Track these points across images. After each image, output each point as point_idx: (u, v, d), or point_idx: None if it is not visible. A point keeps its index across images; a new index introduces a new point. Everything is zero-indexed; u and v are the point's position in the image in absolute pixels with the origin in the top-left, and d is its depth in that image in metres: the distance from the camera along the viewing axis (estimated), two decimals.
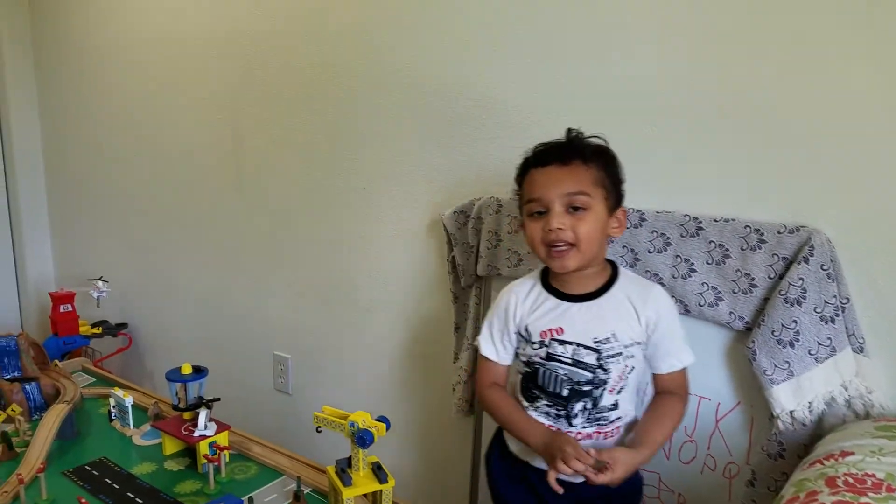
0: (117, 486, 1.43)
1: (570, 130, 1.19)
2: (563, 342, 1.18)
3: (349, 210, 1.92)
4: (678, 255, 1.31)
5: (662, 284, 1.33)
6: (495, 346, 1.28)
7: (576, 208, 1.13)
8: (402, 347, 1.88)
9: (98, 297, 2.60)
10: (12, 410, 1.63)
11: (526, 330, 1.23)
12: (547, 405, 1.21)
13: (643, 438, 1.15)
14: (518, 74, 1.52)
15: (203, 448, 1.47)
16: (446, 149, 1.68)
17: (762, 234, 1.22)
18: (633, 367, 1.18)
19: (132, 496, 1.39)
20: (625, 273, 1.22)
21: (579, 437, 1.19)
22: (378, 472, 1.32)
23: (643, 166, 1.33)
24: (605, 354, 1.16)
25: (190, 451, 1.55)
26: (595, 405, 1.18)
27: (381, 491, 1.30)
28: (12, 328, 1.84)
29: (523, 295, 1.25)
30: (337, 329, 2.02)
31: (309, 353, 2.12)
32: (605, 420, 1.19)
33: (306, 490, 1.41)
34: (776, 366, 1.21)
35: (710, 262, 1.28)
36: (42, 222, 3.03)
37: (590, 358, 1.17)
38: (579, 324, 1.18)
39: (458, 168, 1.67)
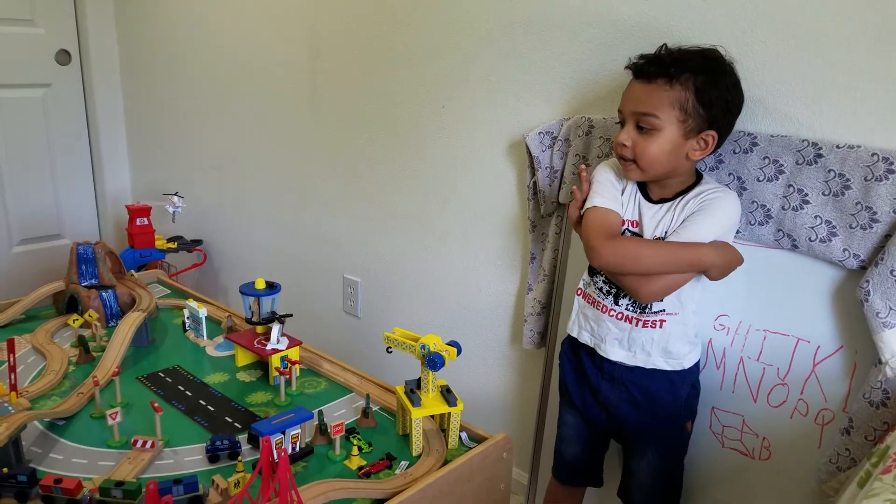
0: (190, 394, 1.45)
1: (661, 47, 1.17)
2: (634, 234, 1.26)
3: (426, 130, 1.84)
4: (791, 185, 1.19)
5: (770, 217, 1.22)
6: (612, 193, 1.28)
7: (642, 128, 1.16)
8: (474, 275, 1.82)
9: (173, 212, 2.63)
10: (89, 316, 1.66)
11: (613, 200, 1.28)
12: (603, 281, 1.29)
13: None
14: None
15: (275, 361, 1.47)
16: (533, 64, 1.57)
17: (891, 164, 1.09)
18: None
19: (204, 403, 1.41)
20: (705, 182, 1.23)
21: (620, 317, 1.27)
22: (447, 395, 1.29)
23: (755, 85, 1.21)
24: None
25: (262, 364, 1.56)
26: None
27: (449, 414, 1.28)
28: (91, 239, 1.87)
29: (620, 181, 1.28)
30: (408, 254, 1.98)
31: (379, 278, 2.09)
32: (647, 308, 1.25)
33: (374, 408, 1.40)
34: (892, 308, 1.09)
35: (826, 193, 1.16)
36: (120, 137, 3.07)
37: None
38: (648, 222, 1.24)
39: (546, 85, 1.55)
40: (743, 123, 1.24)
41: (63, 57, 2.87)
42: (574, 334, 1.37)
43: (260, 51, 2.29)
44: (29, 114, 2.79)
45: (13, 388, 1.31)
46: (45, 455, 1.20)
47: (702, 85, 1.11)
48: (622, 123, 1.21)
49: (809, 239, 1.18)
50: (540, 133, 1.53)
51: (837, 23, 1.13)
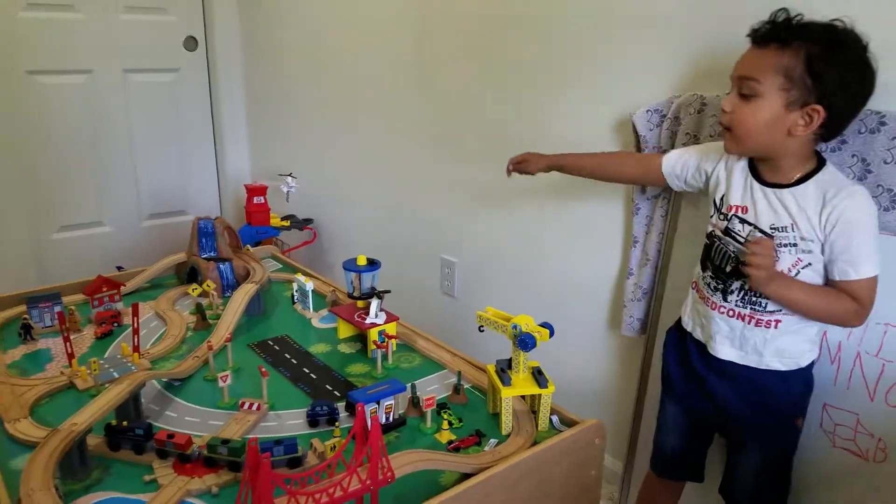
0: (295, 362, 1.52)
1: (778, 11, 1.10)
2: (743, 221, 1.19)
3: (532, 109, 1.82)
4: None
5: (894, 203, 1.12)
6: (683, 156, 1.31)
7: (744, 94, 1.11)
8: (572, 257, 1.80)
9: (287, 191, 2.76)
10: (207, 286, 1.78)
11: (721, 198, 1.24)
12: (710, 276, 1.25)
13: (794, 281, 1.15)
14: None
15: (373, 335, 1.51)
16: (644, 38, 1.51)
17: None
18: (810, 264, 1.14)
19: (307, 371, 1.48)
20: (828, 170, 1.14)
21: (731, 314, 1.21)
22: (538, 376, 1.28)
23: (889, 60, 1.10)
24: (778, 242, 1.15)
25: (361, 337, 1.61)
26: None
27: (540, 395, 1.27)
28: (212, 215, 2.00)
29: (729, 162, 1.25)
30: (505, 236, 1.98)
31: (476, 259, 2.10)
32: (760, 305, 1.18)
33: (466, 385, 1.41)
34: None
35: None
36: (240, 122, 3.25)
37: None
38: (763, 208, 1.17)
39: (657, 60, 1.50)
40: (871, 101, 1.14)
41: (191, 43, 3.07)
42: (688, 329, 1.33)
43: (370, 38, 2.35)
44: (159, 97, 3.01)
45: (136, 349, 1.43)
46: (161, 412, 1.30)
47: (815, 54, 1.05)
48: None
49: None
50: (648, 111, 1.48)
51: None
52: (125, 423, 1.15)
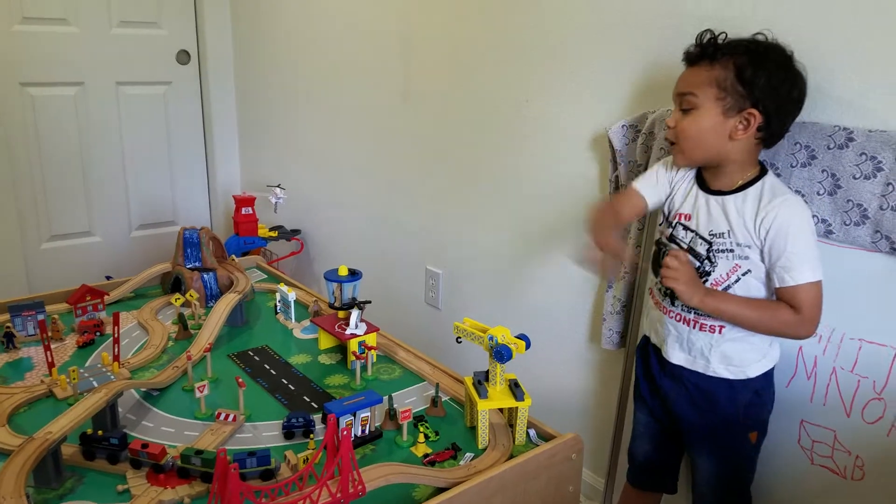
0: (274, 372, 1.52)
1: (702, 33, 1.18)
2: (686, 228, 1.24)
3: (510, 124, 1.84)
4: (890, 183, 1.11)
5: (867, 217, 1.14)
6: (655, 179, 1.32)
7: (684, 109, 1.18)
8: (553, 272, 1.80)
9: (276, 202, 2.77)
10: (190, 295, 1.78)
11: (669, 207, 1.29)
12: (658, 282, 1.27)
13: (720, 293, 1.19)
14: None
15: (353, 345, 1.52)
16: (618, 58, 1.53)
17: None
18: (749, 271, 1.17)
19: (286, 382, 1.48)
20: (768, 178, 1.18)
21: (678, 318, 1.25)
22: (515, 389, 1.29)
23: (850, 78, 1.15)
24: (715, 248, 1.19)
25: (342, 348, 1.62)
26: None
27: (517, 409, 1.27)
28: (198, 226, 2.01)
29: (677, 173, 1.29)
30: (490, 248, 1.99)
31: (461, 270, 2.11)
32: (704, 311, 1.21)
33: (444, 397, 1.42)
34: None
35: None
36: (231, 134, 3.26)
37: (702, 248, 1.21)
38: (703, 215, 1.21)
39: (629, 78, 1.52)
40: (839, 118, 1.16)
41: (183, 57, 3.09)
42: (647, 334, 1.36)
43: (357, 53, 2.37)
44: (151, 110, 3.03)
45: (116, 358, 1.43)
46: (138, 422, 1.30)
47: (743, 63, 1.12)
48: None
49: None
50: (623, 126, 1.50)
51: None
52: (101, 432, 1.15)
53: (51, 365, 1.41)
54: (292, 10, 2.69)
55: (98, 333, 1.65)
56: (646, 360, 1.38)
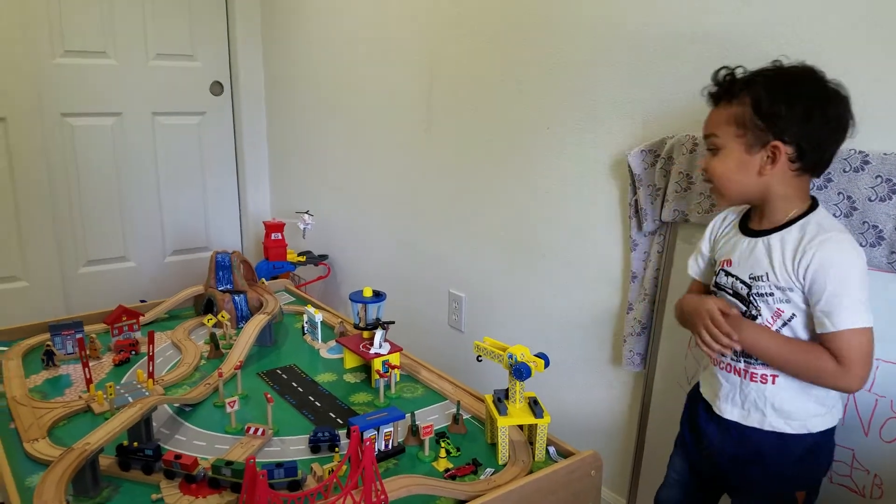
0: (301, 390, 1.57)
1: (717, 72, 1.15)
2: (728, 273, 1.18)
3: (532, 151, 1.89)
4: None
5: (882, 238, 1.15)
6: (696, 261, 1.30)
7: (711, 150, 1.16)
8: (574, 292, 1.83)
9: (304, 228, 2.85)
10: (222, 316, 1.84)
11: (716, 257, 1.24)
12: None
13: (761, 329, 1.12)
14: (726, 2, 1.38)
15: (376, 364, 1.56)
16: (637, 84, 1.58)
17: None
18: (794, 315, 1.09)
19: (312, 399, 1.52)
20: (818, 213, 1.10)
21: (728, 369, 1.18)
22: (534, 406, 1.31)
23: (866, 101, 1.15)
24: (755, 291, 1.13)
25: (367, 368, 1.66)
26: None
27: (536, 426, 1.30)
28: (230, 250, 2.09)
29: (721, 219, 1.26)
30: (511, 271, 2.02)
31: (483, 294, 2.15)
32: (752, 359, 1.14)
33: (466, 415, 1.45)
34: None
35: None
36: (262, 163, 3.37)
37: (743, 292, 1.15)
38: (743, 258, 1.15)
39: (649, 104, 1.56)
40: (854, 142, 1.18)
41: (217, 88, 3.21)
42: (700, 384, 1.29)
43: (382, 84, 2.45)
44: (185, 139, 3.14)
45: (150, 375, 1.49)
46: (171, 436, 1.35)
47: (759, 97, 1.07)
48: None
49: None
50: (642, 151, 1.53)
51: None
52: (136, 444, 1.20)
53: (88, 381, 1.47)
54: (321, 43, 2.79)
55: (133, 352, 1.72)
56: (693, 408, 1.30)
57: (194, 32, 3.07)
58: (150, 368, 1.50)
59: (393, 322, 1.64)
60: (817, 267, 1.04)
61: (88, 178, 2.91)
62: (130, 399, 1.42)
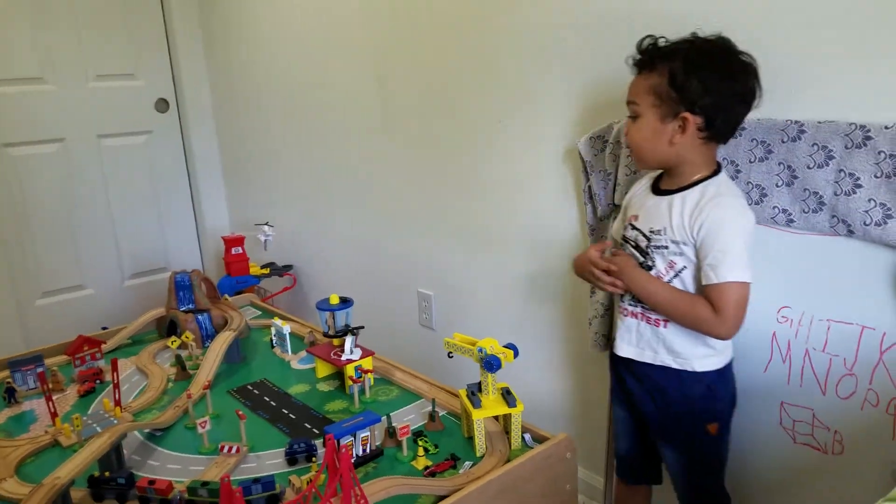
0: (274, 404, 1.56)
1: (641, 40, 1.22)
2: (633, 227, 1.29)
3: (487, 145, 1.90)
4: (842, 170, 1.17)
5: (823, 204, 1.20)
6: (618, 224, 1.42)
7: (631, 117, 1.24)
8: (540, 283, 1.86)
9: (265, 240, 2.82)
10: (186, 337, 1.82)
11: (625, 212, 1.36)
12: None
13: (652, 277, 1.24)
14: None
15: (349, 370, 1.56)
16: (583, 70, 1.60)
17: None
18: (685, 267, 1.22)
19: (286, 412, 1.52)
20: (718, 178, 1.21)
21: (627, 313, 1.31)
22: (507, 396, 1.33)
23: (801, 72, 1.21)
24: (653, 244, 1.25)
25: (340, 375, 1.66)
26: None
27: (510, 415, 1.31)
28: (188, 269, 2.06)
29: (638, 185, 1.37)
30: (476, 265, 2.04)
31: (451, 291, 2.16)
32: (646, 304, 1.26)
33: (441, 412, 1.46)
34: None
35: (878, 175, 1.13)
36: (216, 177, 3.32)
37: (643, 244, 1.27)
38: (648, 214, 1.27)
39: (594, 89, 1.58)
40: (790, 111, 1.22)
41: (162, 105, 3.15)
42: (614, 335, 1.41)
43: (332, 84, 2.44)
44: (134, 159, 3.08)
45: (117, 403, 1.47)
46: (143, 462, 1.33)
47: (675, 69, 1.15)
48: None
49: (864, 223, 1.15)
50: (591, 137, 1.56)
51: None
52: (107, 473, 1.18)
53: (54, 414, 1.44)
54: (266, 50, 2.76)
55: (98, 381, 1.68)
56: (613, 359, 1.41)
57: (134, 50, 3.00)
58: (117, 396, 1.47)
59: (362, 327, 1.64)
60: (710, 225, 1.16)
61: (36, 208, 2.83)
62: (99, 429, 1.39)
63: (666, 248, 1.22)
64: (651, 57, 1.19)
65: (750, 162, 1.28)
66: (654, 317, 1.27)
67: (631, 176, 1.50)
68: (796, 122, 1.21)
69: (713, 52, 1.16)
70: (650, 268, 1.25)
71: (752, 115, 1.24)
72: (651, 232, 1.25)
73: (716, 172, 1.22)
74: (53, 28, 2.77)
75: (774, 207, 1.26)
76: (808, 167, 1.21)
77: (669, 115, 1.17)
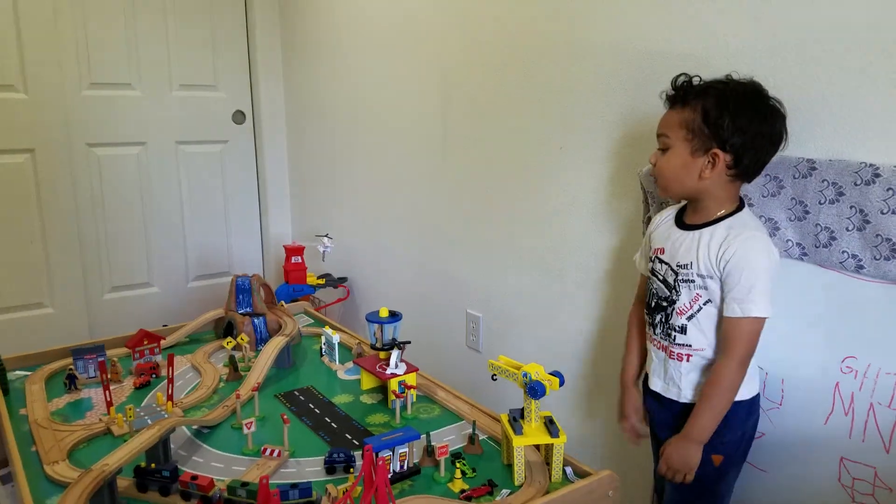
0: (318, 411, 1.57)
1: (676, 77, 1.27)
2: (661, 261, 1.33)
3: (546, 171, 1.89)
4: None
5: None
6: (641, 257, 1.46)
7: (662, 149, 1.28)
8: (592, 313, 1.83)
9: (323, 251, 2.88)
10: (241, 339, 1.86)
11: (650, 246, 1.40)
12: (646, 312, 1.40)
13: (690, 421, 1.27)
14: (715, 26, 1.40)
15: (393, 385, 1.56)
16: (645, 102, 1.58)
17: None
18: (710, 301, 1.26)
19: (329, 420, 1.53)
20: (743, 214, 1.26)
21: (658, 346, 1.35)
22: (550, 426, 1.30)
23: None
24: (680, 278, 1.28)
25: (384, 389, 1.66)
26: (667, 321, 1.32)
27: (552, 446, 1.29)
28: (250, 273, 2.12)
29: (661, 217, 1.40)
30: (527, 291, 2.02)
31: (500, 314, 2.15)
32: (672, 339, 1.31)
33: (482, 436, 1.44)
34: None
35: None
36: (283, 188, 3.42)
37: (670, 278, 1.31)
38: (674, 248, 1.30)
39: (655, 121, 1.56)
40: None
41: (239, 117, 3.27)
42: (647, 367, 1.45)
43: (398, 104, 2.49)
44: (208, 167, 3.21)
45: (170, 398, 1.51)
46: (188, 458, 1.36)
47: (709, 107, 1.20)
48: None
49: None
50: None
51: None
52: (153, 465, 1.22)
53: (109, 404, 1.49)
54: (339, 71, 2.84)
55: (154, 375, 1.74)
56: (646, 390, 1.44)
57: (217, 63, 3.14)
58: (170, 391, 1.51)
59: (409, 342, 1.64)
60: (737, 260, 1.20)
61: (114, 206, 2.97)
62: (150, 421, 1.43)
63: (693, 281, 1.27)
64: (685, 93, 1.25)
65: (819, 203, 1.24)
66: (677, 351, 1.31)
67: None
68: (871, 164, 1.17)
69: (746, 94, 1.21)
70: (674, 301, 1.30)
71: (823, 155, 1.23)
72: (678, 266, 1.29)
73: (739, 208, 1.27)
74: (144, 38, 2.93)
75: (844, 252, 1.21)
76: (882, 212, 1.15)
77: (700, 150, 1.23)
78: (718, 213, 1.26)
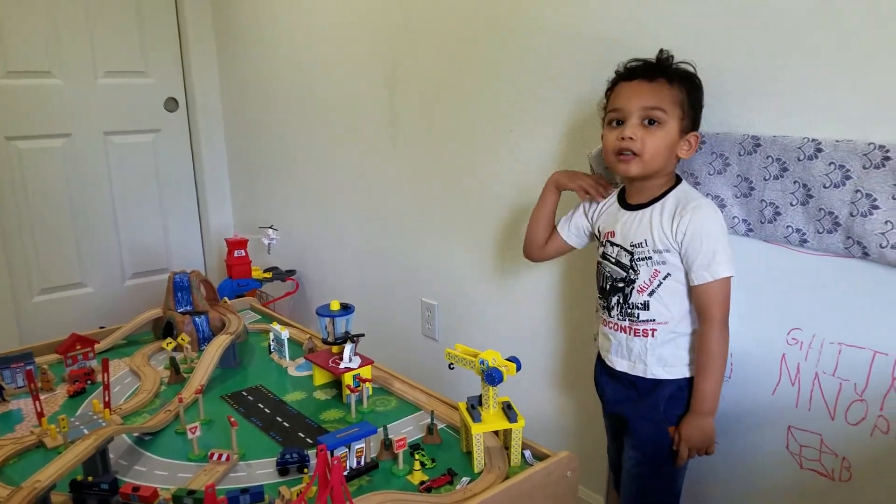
0: (268, 411, 1.52)
1: (661, 51, 1.27)
2: (612, 244, 1.34)
3: (496, 156, 1.87)
4: (858, 190, 1.13)
5: (838, 225, 1.16)
6: (567, 224, 1.51)
7: (651, 122, 1.24)
8: (545, 296, 1.82)
9: (269, 243, 2.79)
10: (182, 339, 1.78)
11: (598, 230, 1.41)
12: (599, 296, 1.40)
13: (694, 396, 1.29)
14: (656, 11, 1.40)
15: (347, 379, 1.52)
16: (592, 83, 1.57)
17: None
18: (669, 274, 1.28)
19: (280, 420, 1.48)
20: (682, 187, 1.29)
21: (616, 328, 1.35)
22: (508, 411, 1.29)
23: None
24: (636, 257, 1.30)
25: (338, 383, 1.62)
26: (626, 301, 1.32)
27: (511, 430, 1.27)
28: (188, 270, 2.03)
29: (602, 202, 1.42)
30: (482, 277, 2.01)
31: (456, 301, 2.13)
32: (634, 317, 1.32)
33: (440, 425, 1.42)
34: None
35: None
36: (222, 177, 3.30)
37: (625, 259, 1.31)
38: (626, 229, 1.32)
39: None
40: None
41: (171, 104, 3.14)
42: (598, 346, 1.47)
43: (344, 90, 2.43)
44: (140, 158, 3.07)
45: (107, 405, 1.43)
46: (130, 467, 1.29)
47: (690, 89, 1.25)
48: (618, 122, 1.28)
49: (880, 245, 1.11)
50: (601, 150, 1.52)
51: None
52: (91, 478, 1.15)
53: (40, 415, 1.40)
54: (279, 54, 2.74)
55: (89, 382, 1.65)
56: (595, 365, 1.48)
57: (145, 48, 3.00)
58: (106, 398, 1.43)
59: (363, 335, 1.60)
60: (694, 228, 1.22)
61: (39, 203, 2.82)
62: (86, 431, 1.35)
63: (649, 258, 1.28)
64: (669, 70, 1.25)
65: (765, 180, 1.25)
66: (642, 328, 1.31)
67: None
68: (813, 140, 1.18)
69: (698, 81, 1.27)
70: (633, 280, 1.30)
71: (767, 132, 1.24)
72: (633, 246, 1.30)
73: (678, 181, 1.31)
74: (64, 22, 2.77)
75: (788, 227, 1.23)
76: (825, 186, 1.17)
77: (685, 131, 1.26)
78: (663, 189, 1.29)
